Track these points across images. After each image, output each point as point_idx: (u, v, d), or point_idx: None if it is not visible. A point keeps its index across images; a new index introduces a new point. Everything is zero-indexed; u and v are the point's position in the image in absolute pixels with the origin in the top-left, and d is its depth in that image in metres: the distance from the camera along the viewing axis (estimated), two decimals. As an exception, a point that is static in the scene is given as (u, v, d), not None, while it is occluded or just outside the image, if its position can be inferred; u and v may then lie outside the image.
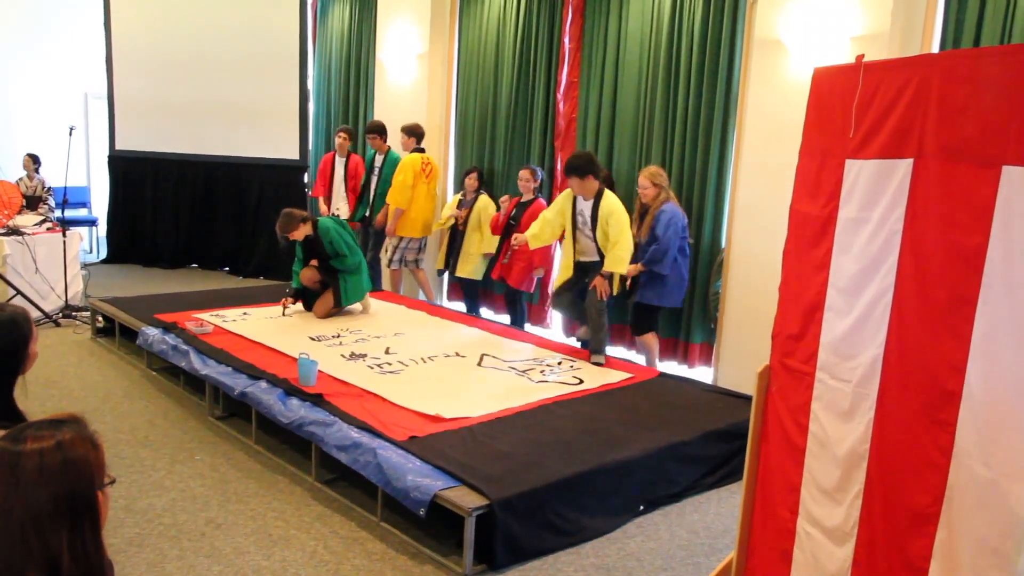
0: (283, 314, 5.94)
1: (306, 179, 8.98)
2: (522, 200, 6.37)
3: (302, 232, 5.83)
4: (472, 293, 6.87)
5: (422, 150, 7.00)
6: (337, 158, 7.74)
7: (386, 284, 7.53)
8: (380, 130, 7.27)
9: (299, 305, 6.07)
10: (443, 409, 4.01)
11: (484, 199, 6.68)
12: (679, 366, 5.74)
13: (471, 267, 6.65)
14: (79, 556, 1.35)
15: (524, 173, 6.34)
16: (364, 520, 3.52)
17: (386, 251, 7.09)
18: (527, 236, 5.33)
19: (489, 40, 7.05)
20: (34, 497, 1.33)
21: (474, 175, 6.74)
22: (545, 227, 5.26)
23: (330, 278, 5.92)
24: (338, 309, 5.98)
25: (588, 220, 5.04)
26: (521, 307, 6.58)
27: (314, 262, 5.93)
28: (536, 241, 5.32)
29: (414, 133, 7.00)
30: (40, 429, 1.39)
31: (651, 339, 5.44)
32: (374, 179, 7.38)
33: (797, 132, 2.45)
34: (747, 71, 5.21)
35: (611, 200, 4.97)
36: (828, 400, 2.30)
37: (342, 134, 7.71)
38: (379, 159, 7.35)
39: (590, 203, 5.01)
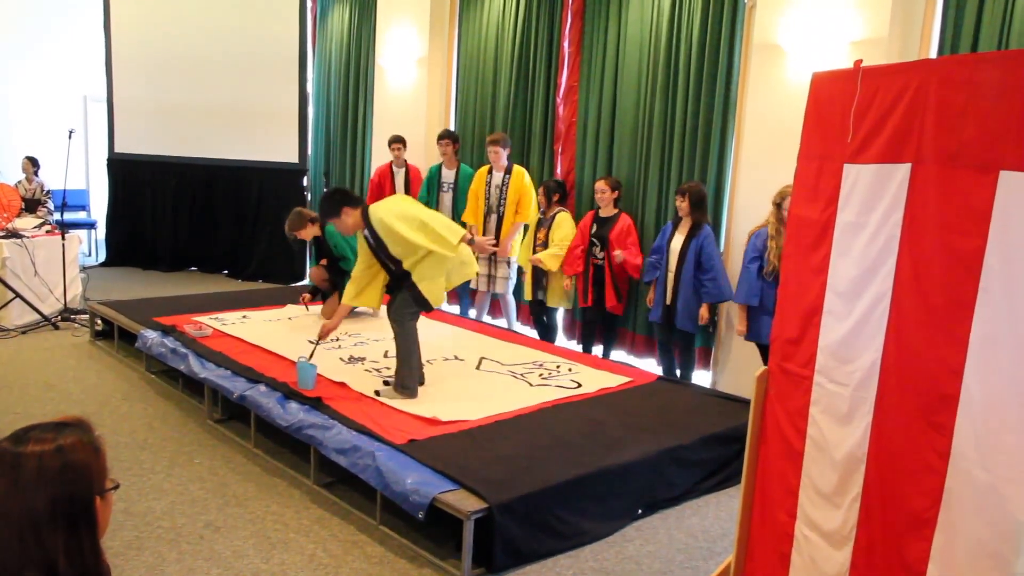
0: (307, 311, 6.16)
1: (306, 183, 8.99)
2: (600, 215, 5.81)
3: (310, 232, 5.83)
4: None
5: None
6: (396, 170, 7.22)
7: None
8: (456, 138, 6.64)
9: (317, 308, 6.12)
10: (441, 412, 4.01)
11: (565, 215, 6.00)
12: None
13: (561, 293, 5.99)
14: (75, 560, 1.36)
15: (600, 185, 5.74)
16: (363, 523, 3.52)
17: (493, 277, 6.34)
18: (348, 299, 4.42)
19: (488, 44, 7.06)
20: (32, 499, 1.34)
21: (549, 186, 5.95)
22: (364, 280, 4.40)
23: (338, 279, 5.91)
24: None
25: (376, 246, 4.26)
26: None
27: (323, 261, 5.95)
28: (358, 302, 4.44)
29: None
30: (44, 431, 1.40)
31: None
32: (448, 196, 6.67)
33: (796, 137, 2.46)
34: (746, 76, 5.23)
35: (379, 214, 4.18)
36: (826, 404, 2.30)
37: (398, 145, 7.10)
38: (450, 173, 6.73)
39: (364, 230, 4.26)
